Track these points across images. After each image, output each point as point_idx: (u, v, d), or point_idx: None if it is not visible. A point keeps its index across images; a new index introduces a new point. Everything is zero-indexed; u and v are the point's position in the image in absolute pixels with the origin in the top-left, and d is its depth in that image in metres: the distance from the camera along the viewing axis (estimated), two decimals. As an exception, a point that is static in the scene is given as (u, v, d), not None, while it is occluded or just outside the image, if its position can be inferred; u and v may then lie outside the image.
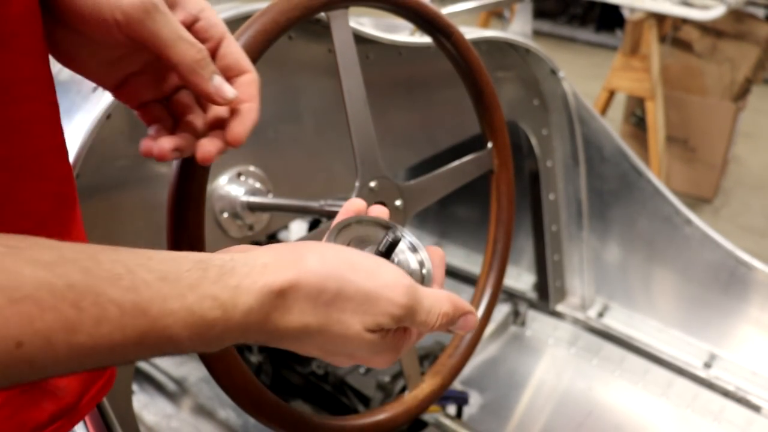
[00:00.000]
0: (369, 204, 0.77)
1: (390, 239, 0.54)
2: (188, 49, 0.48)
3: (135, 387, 1.48)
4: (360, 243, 0.56)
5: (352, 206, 0.58)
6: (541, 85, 1.41)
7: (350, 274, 0.43)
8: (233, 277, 0.39)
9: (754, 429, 1.33)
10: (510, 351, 1.59)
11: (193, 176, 0.61)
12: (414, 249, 0.58)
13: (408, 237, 0.58)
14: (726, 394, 1.38)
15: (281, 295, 0.41)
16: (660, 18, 2.74)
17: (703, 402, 1.40)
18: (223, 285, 0.38)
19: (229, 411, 1.43)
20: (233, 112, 0.53)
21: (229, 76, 0.52)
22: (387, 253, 0.54)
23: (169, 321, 0.36)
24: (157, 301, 0.36)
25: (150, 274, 0.36)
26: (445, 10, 1.18)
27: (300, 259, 0.42)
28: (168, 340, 0.37)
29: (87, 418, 0.77)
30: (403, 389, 0.84)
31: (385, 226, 0.58)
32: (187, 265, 0.38)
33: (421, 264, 0.57)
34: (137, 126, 0.84)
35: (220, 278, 0.38)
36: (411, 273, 0.55)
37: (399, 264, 0.55)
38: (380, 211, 0.59)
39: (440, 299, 0.48)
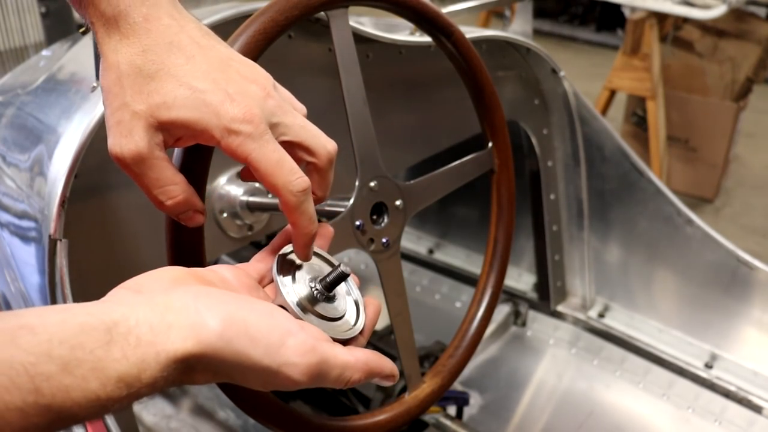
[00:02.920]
0: (369, 204, 0.77)
1: (339, 271, 0.53)
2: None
3: (135, 387, 1.47)
4: (306, 272, 0.56)
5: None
6: (541, 84, 1.40)
7: (249, 347, 0.42)
8: (138, 348, 0.39)
9: (756, 430, 1.33)
10: (511, 351, 1.59)
11: (192, 176, 0.61)
12: (356, 303, 0.58)
13: (354, 288, 0.58)
14: (727, 394, 1.38)
15: (183, 362, 0.41)
16: (661, 17, 2.74)
17: (704, 403, 1.39)
18: (127, 362, 0.38)
19: (228, 411, 1.43)
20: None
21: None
22: (332, 285, 0.54)
23: (74, 409, 0.36)
24: (60, 395, 0.36)
25: (51, 363, 0.36)
26: (446, 10, 1.18)
27: (201, 323, 0.41)
28: (76, 419, 0.37)
29: (86, 419, 0.77)
30: (404, 390, 0.83)
31: (330, 262, 0.58)
32: (90, 343, 0.37)
33: (356, 317, 0.56)
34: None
35: (124, 354, 0.38)
36: (339, 320, 0.55)
37: (332, 308, 0.54)
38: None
39: (351, 368, 0.48)
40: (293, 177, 0.50)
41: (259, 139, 0.48)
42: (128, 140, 0.47)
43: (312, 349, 0.45)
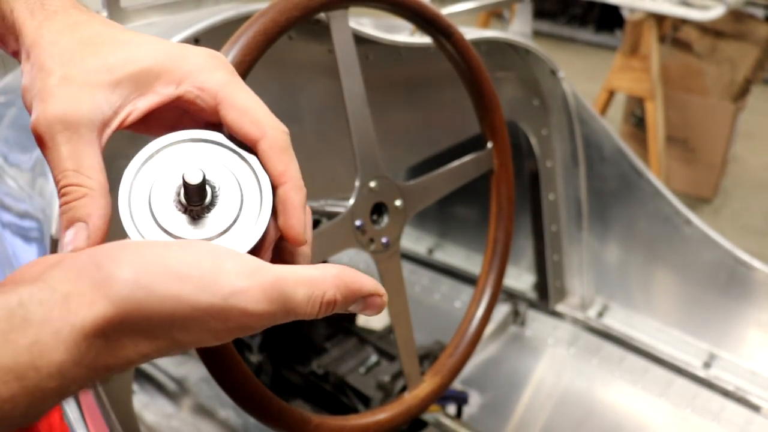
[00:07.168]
0: (369, 204, 0.77)
1: (184, 181, 0.38)
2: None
3: (135, 387, 1.48)
4: (163, 187, 0.40)
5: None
6: (540, 85, 1.41)
7: (178, 287, 0.33)
8: (28, 331, 0.30)
9: (754, 429, 1.33)
10: (510, 351, 1.59)
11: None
12: (256, 178, 0.40)
13: (238, 150, 0.41)
14: (725, 393, 1.38)
15: (98, 333, 0.32)
16: (659, 18, 2.74)
17: (702, 402, 1.40)
18: (12, 349, 0.29)
19: (229, 411, 1.43)
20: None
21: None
22: (197, 195, 0.38)
23: None
24: None
25: None
26: (445, 11, 1.18)
27: (108, 281, 0.32)
28: None
29: (87, 418, 0.78)
30: (404, 389, 0.84)
31: (202, 139, 0.42)
32: None
33: (259, 200, 0.40)
34: (138, 126, 0.84)
35: (7, 340, 0.29)
36: (234, 224, 0.39)
37: (218, 214, 0.39)
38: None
39: (320, 284, 0.36)
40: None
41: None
42: None
43: (259, 267, 0.34)
